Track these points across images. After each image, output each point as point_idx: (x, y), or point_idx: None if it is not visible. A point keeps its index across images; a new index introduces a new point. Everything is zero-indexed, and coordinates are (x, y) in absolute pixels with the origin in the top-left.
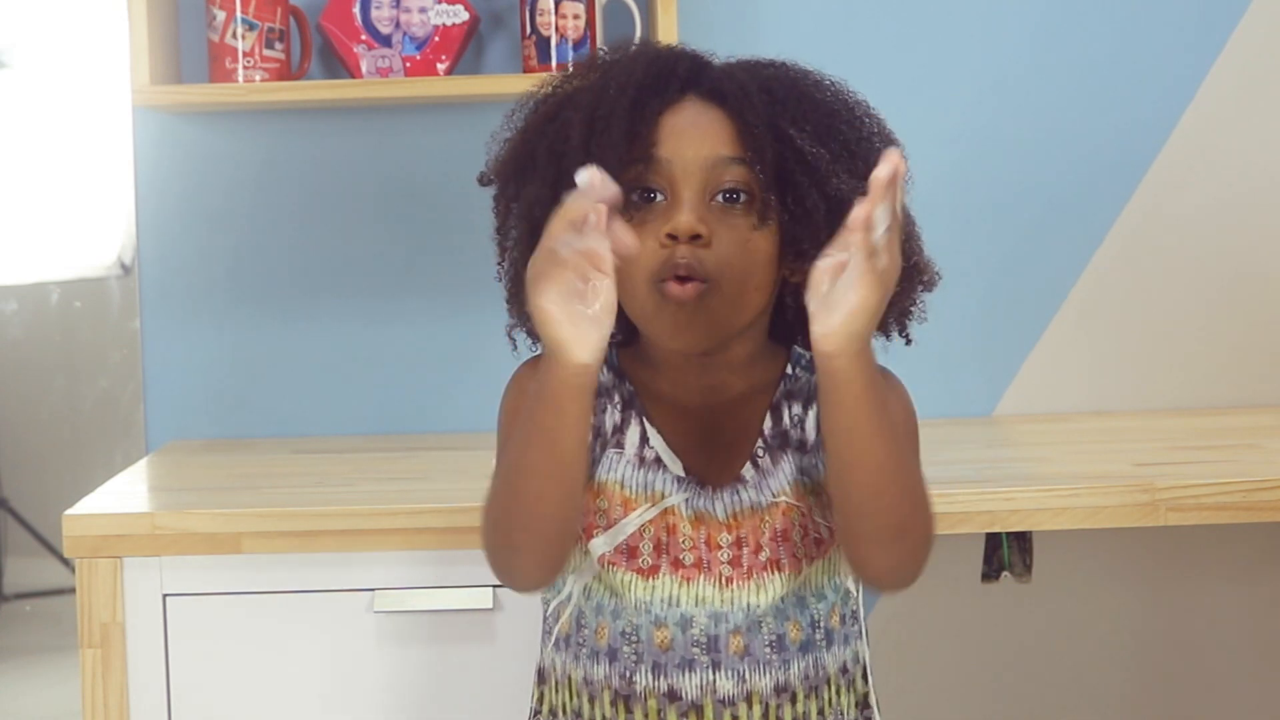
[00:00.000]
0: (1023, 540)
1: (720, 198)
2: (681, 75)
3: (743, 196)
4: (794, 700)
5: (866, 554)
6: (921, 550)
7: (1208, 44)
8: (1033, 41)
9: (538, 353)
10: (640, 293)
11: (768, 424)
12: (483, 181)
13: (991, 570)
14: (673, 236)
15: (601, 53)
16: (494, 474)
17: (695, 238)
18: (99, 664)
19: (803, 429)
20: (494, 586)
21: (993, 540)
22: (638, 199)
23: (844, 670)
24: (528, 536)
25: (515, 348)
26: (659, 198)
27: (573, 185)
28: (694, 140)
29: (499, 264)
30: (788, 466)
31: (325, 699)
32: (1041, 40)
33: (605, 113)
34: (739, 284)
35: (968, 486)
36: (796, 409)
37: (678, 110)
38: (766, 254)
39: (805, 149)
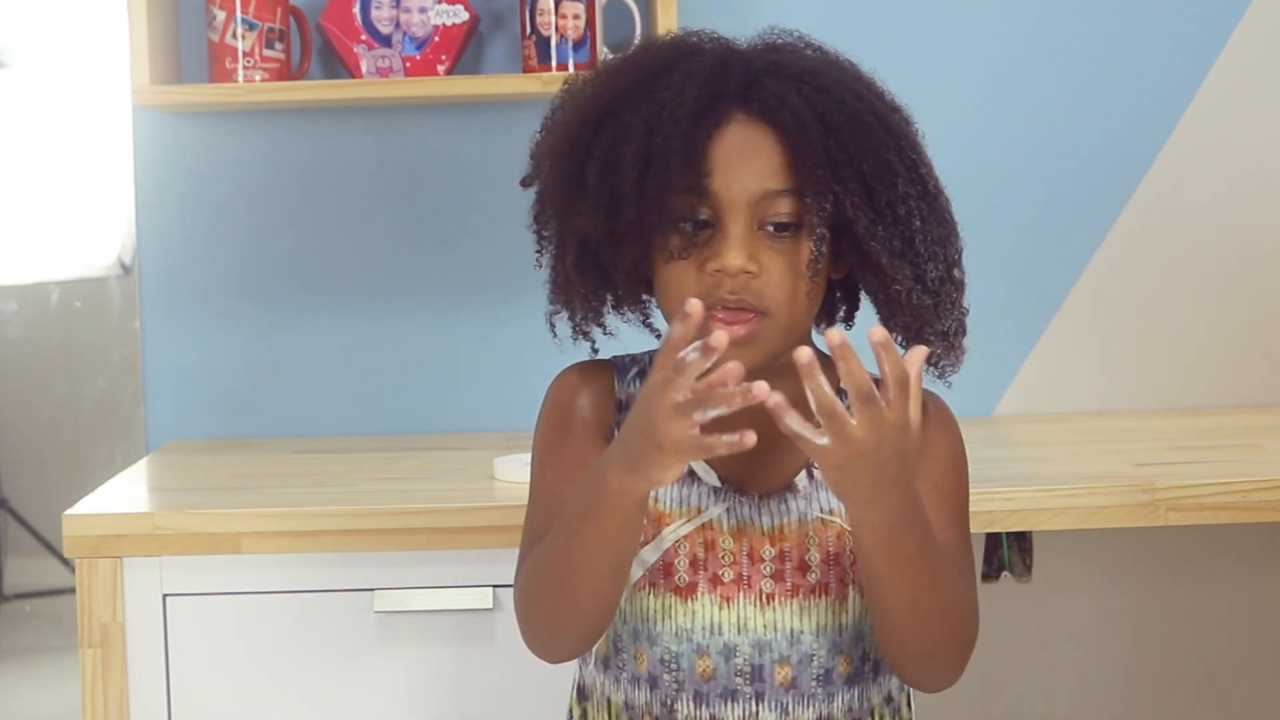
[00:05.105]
0: (1023, 540)
1: (770, 227)
2: (732, 94)
3: (792, 226)
4: None
5: (894, 664)
6: (957, 664)
7: (1208, 44)
8: (1032, 41)
9: (584, 359)
10: None
11: None
12: (526, 184)
13: (991, 570)
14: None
15: (641, 48)
16: (529, 544)
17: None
18: (99, 664)
19: None
20: (494, 586)
21: (993, 540)
22: (689, 227)
23: (889, 699)
24: (577, 623)
25: (555, 335)
26: (709, 225)
27: (624, 212)
28: (743, 172)
29: (538, 254)
30: None
31: (325, 699)
32: (1041, 40)
33: (661, 148)
34: (791, 311)
35: None
36: None
37: (725, 133)
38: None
39: (862, 180)
